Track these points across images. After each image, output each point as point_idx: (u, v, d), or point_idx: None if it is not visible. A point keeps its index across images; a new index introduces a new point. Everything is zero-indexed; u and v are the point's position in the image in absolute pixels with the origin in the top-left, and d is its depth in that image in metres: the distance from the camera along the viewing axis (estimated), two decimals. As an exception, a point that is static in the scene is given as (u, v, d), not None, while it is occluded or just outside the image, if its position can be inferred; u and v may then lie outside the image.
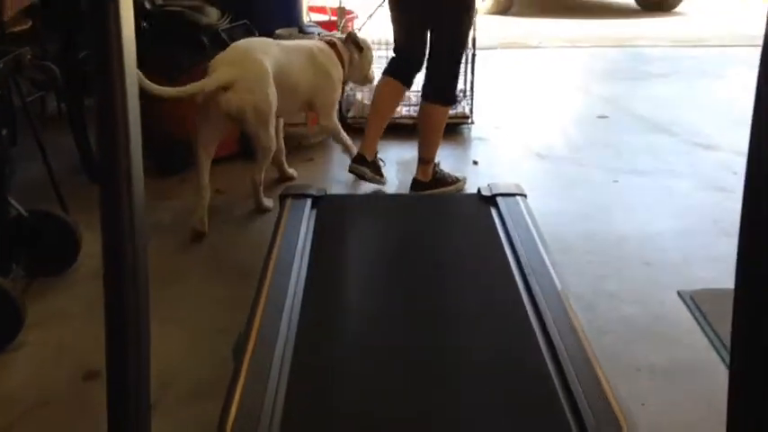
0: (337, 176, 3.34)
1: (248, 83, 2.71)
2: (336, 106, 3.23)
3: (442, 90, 3.02)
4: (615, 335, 2.14)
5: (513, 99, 4.54)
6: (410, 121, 3.85)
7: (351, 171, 3.09)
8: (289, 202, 2.42)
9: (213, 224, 2.81)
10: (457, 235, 2.38)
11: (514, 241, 2.20)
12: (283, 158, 3.24)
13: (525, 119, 4.15)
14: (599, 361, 1.65)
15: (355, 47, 3.22)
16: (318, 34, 3.49)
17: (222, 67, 2.75)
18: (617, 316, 2.25)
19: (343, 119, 3.90)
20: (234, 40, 3.29)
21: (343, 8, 3.99)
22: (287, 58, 2.93)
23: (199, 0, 3.64)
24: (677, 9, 7.48)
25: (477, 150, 3.69)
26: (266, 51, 2.84)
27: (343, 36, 3.25)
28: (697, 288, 2.36)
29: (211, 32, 3.25)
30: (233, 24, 3.36)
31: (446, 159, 3.50)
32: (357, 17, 4.27)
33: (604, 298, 2.34)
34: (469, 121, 3.93)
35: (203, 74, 2.75)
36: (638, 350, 2.08)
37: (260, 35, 3.48)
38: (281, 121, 3.20)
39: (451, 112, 3.93)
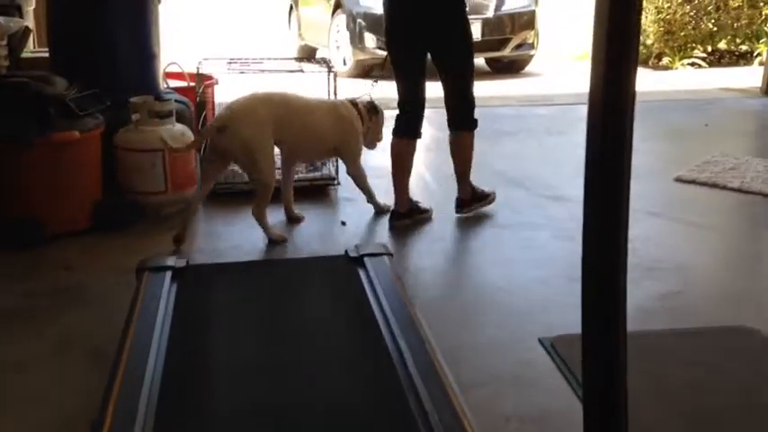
0: (200, 246, 3.25)
1: (237, 124, 3.08)
2: (361, 155, 3.60)
3: (469, 118, 3.46)
4: (484, 386, 2.17)
5: (378, 158, 4.64)
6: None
7: (394, 227, 3.42)
8: (146, 275, 2.32)
9: (64, 304, 2.64)
10: (324, 298, 2.37)
11: (381, 300, 2.22)
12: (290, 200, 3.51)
13: (390, 177, 4.23)
14: (467, 414, 1.67)
15: (373, 111, 3.62)
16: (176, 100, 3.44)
17: (221, 112, 3.23)
18: (484, 367, 2.29)
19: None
20: (83, 109, 3.18)
21: (202, 74, 3.96)
22: (304, 109, 3.35)
23: (46, 70, 3.51)
24: (525, 71, 8.00)
25: (345, 211, 3.72)
26: (269, 102, 3.23)
27: (364, 101, 3.63)
28: (556, 334, 2.45)
29: (58, 103, 3.12)
30: (82, 94, 3.24)
31: (313, 221, 3.50)
32: (217, 83, 4.25)
33: (471, 350, 2.38)
34: (336, 182, 3.96)
35: (52, 145, 2.62)
36: (506, 400, 2.12)
37: (114, 104, 3.38)
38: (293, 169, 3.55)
39: (317, 174, 3.99)
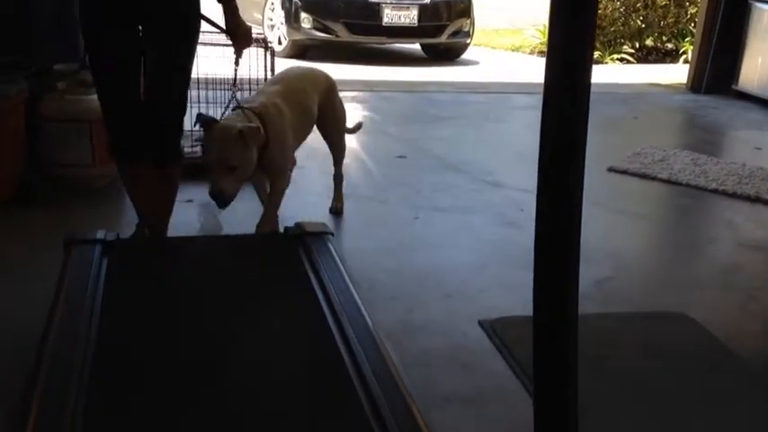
0: (130, 220, 3.11)
1: None
2: None
3: (177, 146, 2.62)
4: (424, 367, 2.16)
5: (314, 140, 4.57)
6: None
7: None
8: (74, 249, 2.20)
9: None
10: (263, 276, 2.29)
11: (323, 279, 2.17)
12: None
13: (328, 159, 4.17)
14: (411, 394, 1.65)
15: None
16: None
17: None
18: (425, 347, 2.28)
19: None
20: (4, 76, 3.00)
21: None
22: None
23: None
24: (461, 58, 8.05)
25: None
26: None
27: None
28: (494, 317, 2.47)
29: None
30: (3, 59, 3.05)
31: (252, 201, 3.41)
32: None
33: (411, 331, 2.37)
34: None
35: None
36: (446, 381, 2.12)
37: (37, 71, 3.20)
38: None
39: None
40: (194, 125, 2.63)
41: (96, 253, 2.19)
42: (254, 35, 2.71)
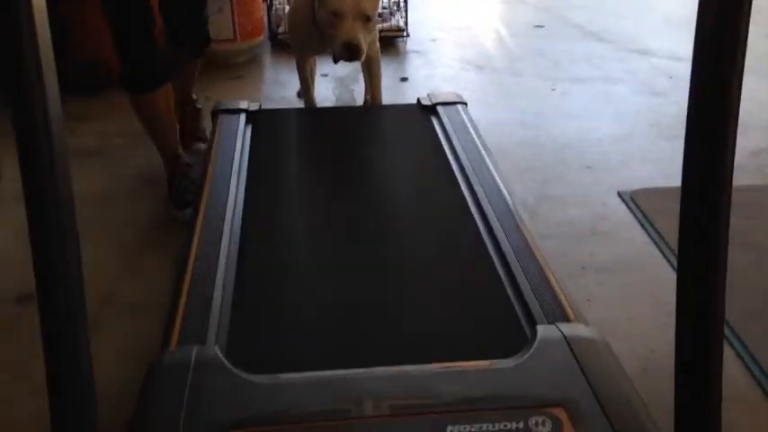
0: (269, 94, 3.21)
1: None
2: None
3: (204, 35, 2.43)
4: (560, 236, 2.14)
5: (448, 11, 4.44)
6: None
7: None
8: (222, 117, 2.31)
9: (139, 144, 2.67)
10: (399, 144, 2.33)
11: (457, 148, 2.17)
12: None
13: (462, 30, 4.06)
14: (546, 260, 1.65)
15: None
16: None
17: None
18: (561, 218, 2.25)
19: (273, 34, 3.74)
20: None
21: None
22: None
23: None
24: None
25: (413, 63, 3.60)
26: None
27: None
28: (635, 188, 2.38)
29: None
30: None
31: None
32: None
33: (547, 201, 2.34)
34: (404, 34, 3.82)
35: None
36: (582, 249, 2.09)
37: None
38: None
39: (386, 25, 3.83)
40: None
41: (241, 121, 2.29)
42: None
